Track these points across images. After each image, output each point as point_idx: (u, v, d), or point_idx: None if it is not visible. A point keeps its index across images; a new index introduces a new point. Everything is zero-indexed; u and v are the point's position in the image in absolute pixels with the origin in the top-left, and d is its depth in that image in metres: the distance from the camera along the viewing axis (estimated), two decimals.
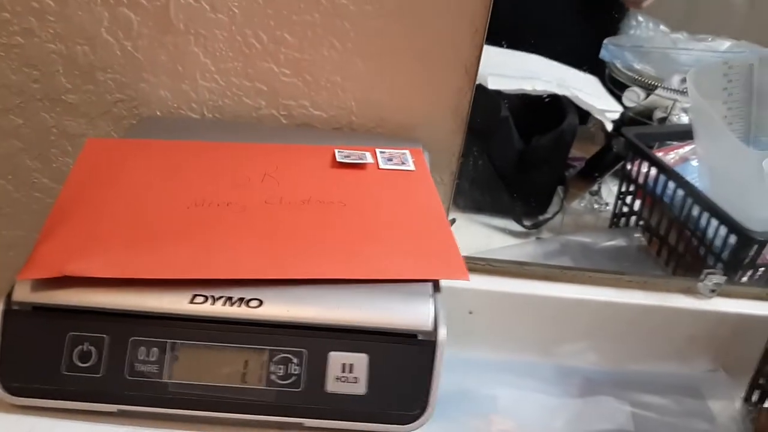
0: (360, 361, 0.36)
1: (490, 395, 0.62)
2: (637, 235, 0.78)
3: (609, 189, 0.88)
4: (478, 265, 0.62)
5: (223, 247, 0.39)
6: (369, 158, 0.50)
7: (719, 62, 0.73)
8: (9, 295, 0.36)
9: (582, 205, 0.87)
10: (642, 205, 0.79)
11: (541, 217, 0.81)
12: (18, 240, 0.63)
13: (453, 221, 0.70)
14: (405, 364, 0.37)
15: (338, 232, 0.42)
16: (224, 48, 0.54)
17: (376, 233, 0.42)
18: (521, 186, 0.81)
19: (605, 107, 0.84)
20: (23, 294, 0.36)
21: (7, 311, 0.36)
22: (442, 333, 0.37)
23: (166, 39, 0.54)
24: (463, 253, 0.42)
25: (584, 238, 0.78)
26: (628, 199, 0.81)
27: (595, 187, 0.89)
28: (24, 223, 0.62)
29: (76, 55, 0.54)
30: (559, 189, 0.85)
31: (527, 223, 0.79)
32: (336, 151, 0.50)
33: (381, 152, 0.51)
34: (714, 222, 0.67)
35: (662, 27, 0.94)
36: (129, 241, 0.39)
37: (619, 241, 0.78)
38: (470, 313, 0.62)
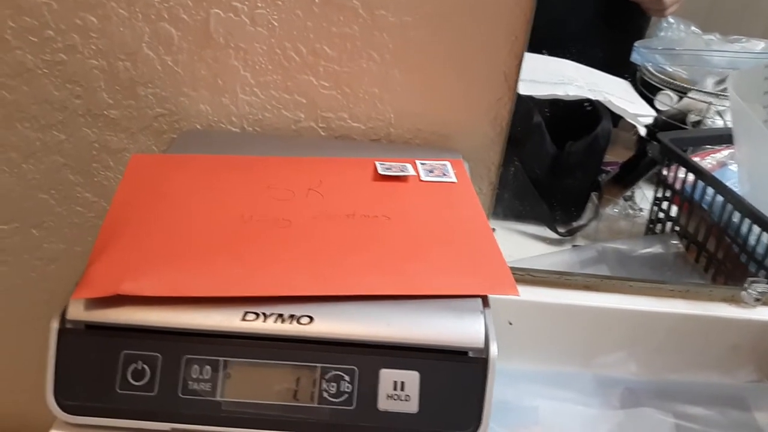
0: (411, 378, 0.36)
1: (531, 407, 0.61)
2: (674, 241, 0.77)
3: (643, 194, 0.87)
4: (518, 275, 0.61)
5: (273, 263, 0.39)
6: (410, 170, 0.50)
7: (760, 66, 0.72)
8: (63, 314, 0.36)
9: (616, 211, 0.86)
10: (679, 211, 0.78)
11: (575, 224, 0.80)
12: (60, 253, 0.64)
13: (493, 231, 0.69)
14: (457, 381, 0.36)
15: (385, 247, 0.41)
16: (264, 61, 0.54)
17: (422, 247, 0.42)
18: (555, 192, 0.80)
19: (638, 111, 0.83)
20: (77, 313, 0.36)
21: (62, 330, 0.36)
22: (494, 350, 0.36)
23: (206, 53, 0.54)
24: None
25: (621, 246, 0.77)
26: (665, 204, 0.80)
27: (628, 193, 0.88)
28: (66, 236, 0.63)
29: (117, 70, 0.55)
30: (593, 195, 0.84)
31: (561, 230, 0.78)
32: (377, 163, 0.50)
33: (422, 164, 0.51)
34: (756, 228, 0.66)
35: (693, 28, 0.93)
36: (179, 258, 0.39)
37: (656, 248, 0.77)
38: (510, 324, 0.62)
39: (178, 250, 0.40)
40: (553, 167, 0.80)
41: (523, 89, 0.75)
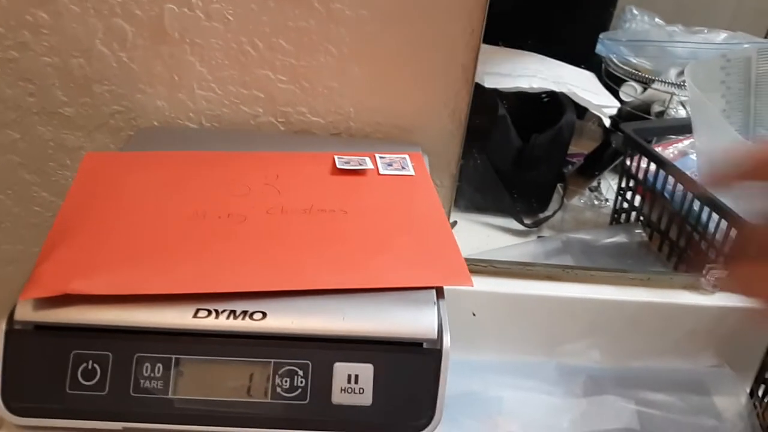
0: (365, 371, 0.36)
1: (495, 397, 0.62)
2: (638, 231, 0.78)
3: (608, 185, 0.88)
4: (481, 267, 0.62)
5: (226, 259, 0.39)
6: (369, 164, 0.50)
7: (717, 56, 0.73)
8: (11, 315, 0.35)
9: (582, 201, 0.87)
10: (642, 200, 0.79)
11: (541, 215, 0.81)
12: (18, 254, 0.63)
13: (454, 224, 0.70)
14: (411, 373, 0.37)
15: (340, 241, 0.41)
16: (220, 56, 0.54)
17: (378, 241, 0.42)
18: (521, 184, 0.80)
19: (602, 103, 0.84)
20: (25, 313, 0.35)
21: (10, 331, 0.35)
22: (447, 341, 0.37)
23: (162, 49, 0.54)
24: (465, 254, 0.41)
25: (585, 236, 0.78)
26: (628, 195, 0.81)
27: (594, 184, 0.89)
28: (23, 237, 0.62)
29: (71, 67, 0.54)
30: (559, 186, 0.85)
31: (528, 221, 0.79)
32: (336, 157, 0.50)
33: (381, 157, 0.51)
34: (715, 216, 0.67)
35: (657, 20, 0.94)
36: (130, 256, 0.38)
37: (620, 238, 0.78)
38: (473, 315, 0.62)
39: (129, 249, 0.39)
40: (518, 159, 0.80)
41: (488, 82, 0.75)
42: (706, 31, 0.90)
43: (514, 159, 0.81)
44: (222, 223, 0.42)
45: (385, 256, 0.40)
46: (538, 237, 0.79)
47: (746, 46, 0.86)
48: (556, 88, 0.79)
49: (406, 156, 0.52)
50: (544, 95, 0.77)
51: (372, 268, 0.39)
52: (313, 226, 0.43)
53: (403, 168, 0.50)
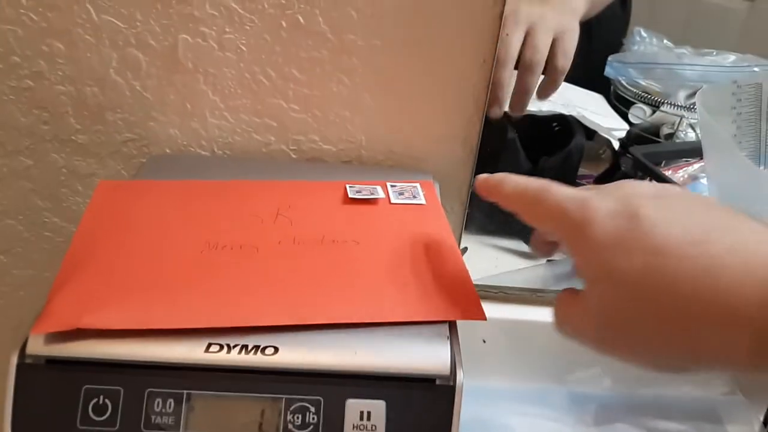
0: (377, 408, 0.36)
1: (505, 424, 0.61)
2: None
3: None
4: (491, 293, 0.62)
5: (237, 293, 0.39)
6: (380, 193, 0.50)
7: (728, 82, 0.73)
8: (23, 349, 0.35)
9: None
10: None
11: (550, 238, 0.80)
12: (28, 280, 0.63)
13: (465, 250, 0.69)
14: (423, 409, 0.36)
15: (352, 273, 0.41)
16: (233, 85, 0.54)
17: (389, 273, 0.42)
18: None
19: (611, 125, 0.84)
20: (37, 347, 0.35)
21: (21, 365, 0.35)
22: (461, 377, 0.36)
23: (175, 78, 0.54)
24: (475, 278, 0.41)
25: None
26: None
27: None
28: (35, 262, 0.62)
29: (85, 96, 0.54)
30: None
31: None
32: (347, 186, 0.50)
33: (392, 186, 0.51)
34: None
35: (665, 41, 0.94)
36: (142, 290, 0.38)
37: None
38: (484, 341, 0.62)
39: (141, 281, 0.39)
40: None
41: None
42: (714, 53, 0.90)
43: None
44: (234, 254, 0.42)
45: (397, 289, 0.40)
46: (548, 261, 0.78)
47: (756, 69, 0.86)
48: (566, 111, 0.79)
49: (417, 185, 0.52)
50: (555, 124, 0.77)
51: (383, 302, 0.39)
52: (325, 257, 0.43)
53: (414, 197, 0.50)
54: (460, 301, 0.40)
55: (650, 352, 0.32)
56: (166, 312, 0.37)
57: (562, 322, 0.36)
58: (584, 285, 0.34)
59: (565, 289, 0.37)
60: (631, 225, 0.32)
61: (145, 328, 0.36)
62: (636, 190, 0.34)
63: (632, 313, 0.31)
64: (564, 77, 0.67)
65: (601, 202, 0.33)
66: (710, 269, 0.29)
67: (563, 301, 0.36)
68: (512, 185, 0.38)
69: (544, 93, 0.65)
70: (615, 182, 0.36)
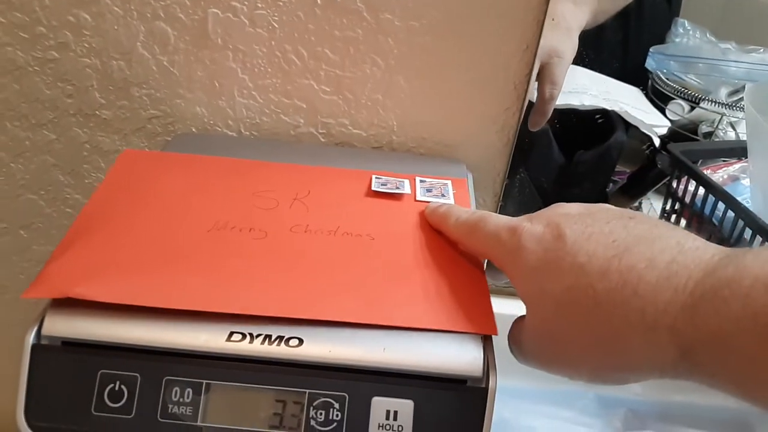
0: (405, 408, 0.34)
1: (529, 426, 0.59)
2: None
3: (650, 206, 0.85)
4: None
5: (235, 277, 0.37)
6: (407, 188, 0.47)
7: None
8: (39, 329, 0.34)
9: None
10: (688, 225, 0.76)
11: None
12: (47, 256, 0.61)
13: None
14: (453, 412, 0.34)
15: (362, 269, 0.39)
16: (263, 64, 0.52)
17: (399, 275, 0.39)
18: (561, 202, 0.78)
19: (653, 122, 0.81)
20: (53, 327, 0.34)
21: (36, 346, 0.34)
22: (494, 380, 0.34)
23: (203, 54, 0.52)
24: None
25: None
26: (673, 218, 0.77)
27: (636, 204, 0.86)
28: (54, 238, 0.61)
29: (111, 70, 0.53)
30: None
31: None
32: (373, 177, 0.48)
33: (421, 181, 0.48)
34: None
35: (709, 35, 0.90)
36: (141, 265, 0.37)
37: None
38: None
39: (142, 256, 0.37)
40: (560, 176, 0.78)
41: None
42: (761, 50, 0.87)
43: (555, 176, 0.78)
44: (241, 236, 0.40)
45: (403, 293, 0.38)
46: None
47: None
48: (608, 106, 0.76)
49: (449, 182, 0.49)
50: (598, 116, 0.74)
51: (385, 305, 0.36)
52: (335, 249, 0.40)
53: (442, 195, 0.47)
54: (472, 312, 0.37)
55: (588, 365, 0.33)
56: (161, 290, 0.35)
57: (510, 343, 0.38)
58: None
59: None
60: (557, 245, 0.33)
61: (137, 304, 0.34)
62: (563, 209, 0.36)
63: (565, 330, 0.33)
64: (553, 107, 0.63)
65: (531, 227, 0.35)
66: (629, 282, 0.30)
67: (514, 324, 0.38)
68: (455, 217, 0.41)
69: (534, 124, 0.61)
70: (549, 206, 0.37)
